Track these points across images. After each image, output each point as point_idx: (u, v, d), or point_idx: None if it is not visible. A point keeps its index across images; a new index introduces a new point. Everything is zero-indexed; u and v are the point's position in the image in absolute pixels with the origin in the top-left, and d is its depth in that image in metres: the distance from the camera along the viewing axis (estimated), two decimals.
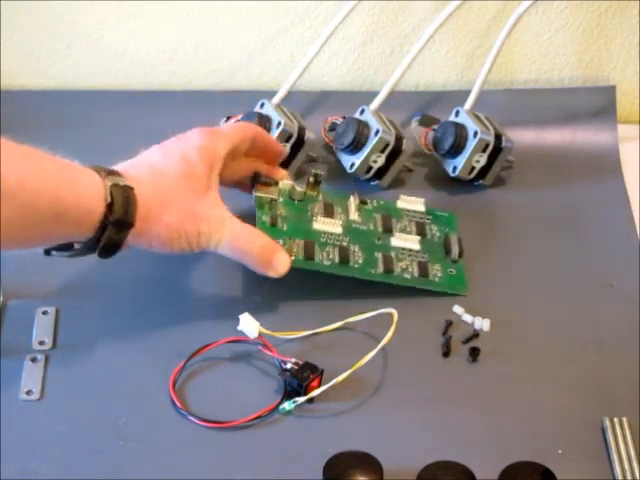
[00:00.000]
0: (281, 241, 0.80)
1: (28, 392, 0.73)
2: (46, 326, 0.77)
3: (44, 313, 0.78)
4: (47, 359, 0.75)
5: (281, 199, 0.84)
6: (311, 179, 0.85)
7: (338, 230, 0.83)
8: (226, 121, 0.92)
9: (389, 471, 0.65)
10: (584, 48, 0.99)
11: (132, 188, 0.70)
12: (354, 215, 0.85)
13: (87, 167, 0.70)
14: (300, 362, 0.73)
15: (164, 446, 0.69)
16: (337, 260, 0.80)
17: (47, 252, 0.71)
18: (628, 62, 0.99)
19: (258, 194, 0.82)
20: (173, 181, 0.73)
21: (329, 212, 0.84)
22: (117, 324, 0.78)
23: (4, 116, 0.96)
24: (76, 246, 0.70)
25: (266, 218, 0.82)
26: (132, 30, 0.99)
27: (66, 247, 0.71)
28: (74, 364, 0.75)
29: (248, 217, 0.81)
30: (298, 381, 0.72)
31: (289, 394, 0.72)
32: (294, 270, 0.78)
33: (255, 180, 0.83)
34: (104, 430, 0.70)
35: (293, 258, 0.78)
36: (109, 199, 0.68)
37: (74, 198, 0.67)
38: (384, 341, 0.72)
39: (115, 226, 0.69)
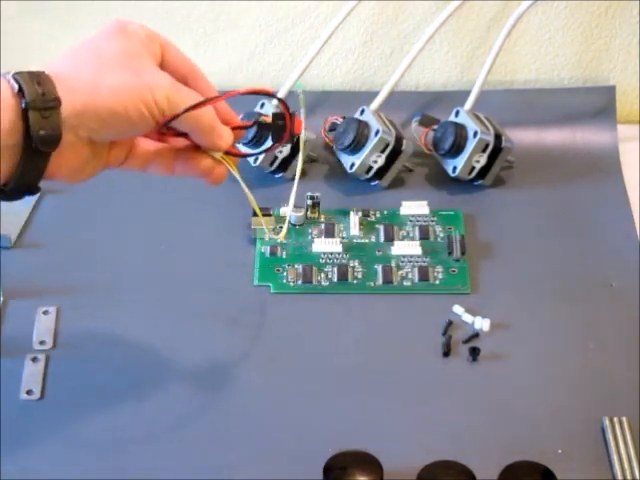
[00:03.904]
0: (281, 269, 0.82)
1: (28, 392, 0.73)
2: (46, 326, 0.77)
3: (44, 313, 0.78)
4: (47, 359, 0.75)
5: (282, 226, 0.85)
6: (309, 202, 0.87)
7: (338, 249, 0.84)
8: None
9: (389, 471, 0.65)
10: (584, 48, 0.99)
11: (43, 72, 0.60)
12: (355, 230, 0.86)
13: None
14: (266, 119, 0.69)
15: (164, 446, 0.69)
16: (336, 279, 0.81)
17: (9, 196, 0.62)
18: (628, 62, 0.99)
19: (255, 226, 0.84)
20: (99, 49, 0.63)
21: (330, 232, 0.86)
22: (117, 324, 0.78)
23: None
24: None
25: (265, 249, 0.84)
26: None
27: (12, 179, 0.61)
28: (74, 364, 0.75)
29: (247, 247, 0.84)
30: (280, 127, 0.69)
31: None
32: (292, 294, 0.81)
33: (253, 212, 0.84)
34: (104, 430, 0.70)
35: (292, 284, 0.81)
36: (16, 86, 0.59)
37: None
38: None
39: (36, 110, 0.59)
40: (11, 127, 0.59)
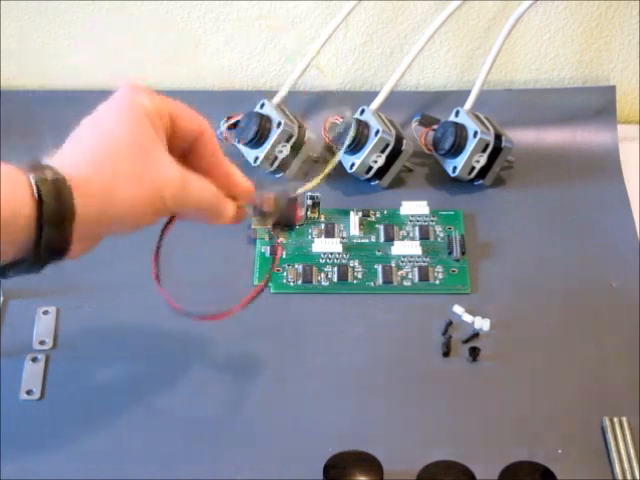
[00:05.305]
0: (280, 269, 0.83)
1: (28, 392, 0.73)
2: (46, 326, 0.77)
3: (44, 313, 0.78)
4: (47, 359, 0.75)
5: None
6: (309, 202, 0.87)
7: (338, 249, 0.84)
8: (226, 121, 0.92)
9: (389, 471, 0.65)
10: (584, 48, 0.99)
11: (64, 179, 0.60)
12: (355, 230, 0.86)
13: (9, 165, 0.60)
14: (270, 199, 0.70)
15: (164, 446, 0.69)
16: (336, 279, 0.81)
17: (3, 274, 0.62)
18: (628, 62, 0.99)
19: (255, 226, 0.84)
20: (114, 149, 0.62)
21: (330, 232, 0.86)
22: (117, 324, 0.78)
23: (4, 116, 0.96)
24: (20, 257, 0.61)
25: (265, 249, 0.84)
26: (132, 30, 0.99)
27: (16, 263, 0.61)
28: (74, 364, 0.75)
29: (247, 247, 0.84)
30: (287, 221, 0.70)
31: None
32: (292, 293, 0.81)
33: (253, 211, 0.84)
34: (104, 430, 0.70)
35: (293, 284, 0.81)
36: (37, 197, 0.59)
37: None
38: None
39: (52, 225, 0.59)
40: (23, 236, 0.59)
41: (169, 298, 0.69)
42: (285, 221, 0.70)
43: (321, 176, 0.71)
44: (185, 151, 0.67)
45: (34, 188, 0.59)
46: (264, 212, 0.70)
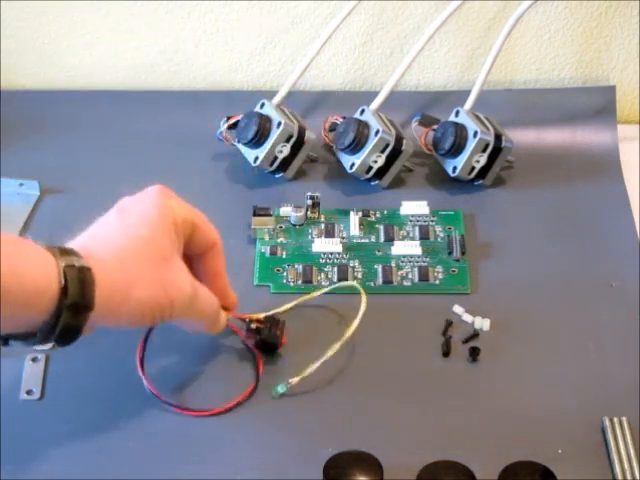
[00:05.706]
0: (280, 269, 0.83)
1: (28, 392, 0.73)
2: None
3: None
4: (47, 359, 0.75)
5: (282, 226, 0.86)
6: (309, 202, 0.87)
7: (338, 249, 0.84)
8: (226, 121, 0.92)
9: (389, 471, 0.65)
10: (584, 48, 0.99)
11: (90, 269, 0.62)
12: (355, 230, 0.86)
13: (39, 245, 0.62)
14: (259, 317, 0.74)
15: (165, 445, 0.69)
16: (336, 279, 0.81)
17: (5, 342, 0.63)
18: (628, 62, 0.99)
19: (255, 226, 0.85)
20: (137, 250, 0.65)
21: (330, 232, 0.86)
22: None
23: (4, 116, 0.96)
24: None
25: (265, 249, 0.84)
26: (132, 30, 0.99)
27: (24, 335, 0.62)
28: (74, 364, 0.75)
29: (247, 247, 0.85)
30: (272, 340, 0.74)
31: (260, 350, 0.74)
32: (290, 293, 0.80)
33: (253, 212, 0.85)
34: (104, 430, 0.70)
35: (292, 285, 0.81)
36: (63, 281, 0.60)
37: (18, 274, 0.59)
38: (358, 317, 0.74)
39: (71, 310, 0.61)
40: (43, 314, 0.61)
41: (153, 387, 0.72)
42: (270, 340, 0.74)
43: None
44: (194, 257, 0.71)
45: (61, 271, 0.61)
46: (251, 329, 0.74)
